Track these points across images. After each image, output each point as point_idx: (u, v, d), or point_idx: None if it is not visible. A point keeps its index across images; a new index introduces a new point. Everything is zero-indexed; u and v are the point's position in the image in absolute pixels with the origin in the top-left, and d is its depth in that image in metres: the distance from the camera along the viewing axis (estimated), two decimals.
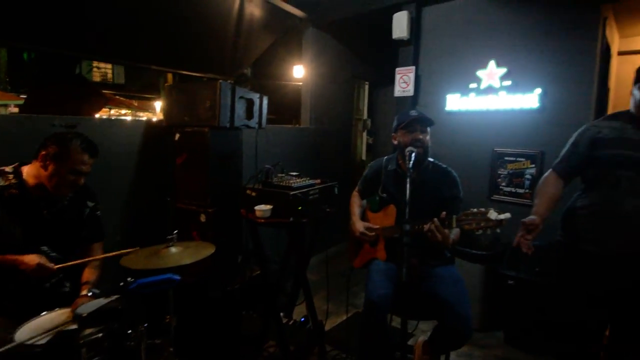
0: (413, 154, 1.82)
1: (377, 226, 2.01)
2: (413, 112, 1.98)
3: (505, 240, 2.75)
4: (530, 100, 2.83)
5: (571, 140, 1.72)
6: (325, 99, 4.14)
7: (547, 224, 1.68)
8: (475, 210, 1.62)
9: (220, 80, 2.06)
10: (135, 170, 2.40)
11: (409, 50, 3.38)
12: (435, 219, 1.68)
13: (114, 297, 1.46)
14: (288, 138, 3.66)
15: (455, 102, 3.18)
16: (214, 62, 3.21)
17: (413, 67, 3.34)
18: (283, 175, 2.29)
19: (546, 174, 1.79)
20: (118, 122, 2.70)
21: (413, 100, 3.39)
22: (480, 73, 3.04)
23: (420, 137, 1.92)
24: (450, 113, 3.22)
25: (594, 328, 1.68)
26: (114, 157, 2.28)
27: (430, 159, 2.06)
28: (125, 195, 2.37)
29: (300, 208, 2.01)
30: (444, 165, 2.06)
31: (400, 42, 3.41)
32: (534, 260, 2.50)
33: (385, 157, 2.18)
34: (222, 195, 2.14)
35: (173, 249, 1.58)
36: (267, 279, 2.19)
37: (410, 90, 3.36)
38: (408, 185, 1.62)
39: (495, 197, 3.03)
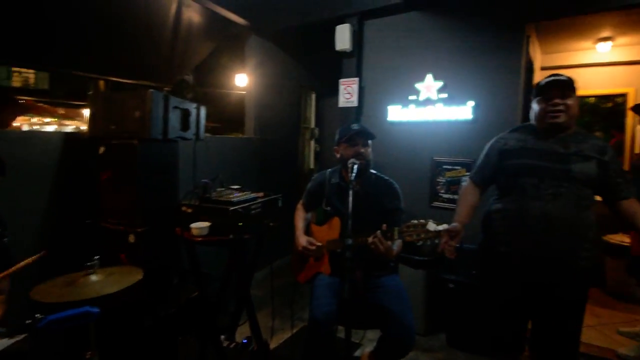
0: (355, 167, 1.82)
1: (320, 243, 1.98)
2: (355, 126, 1.98)
3: None
4: (464, 112, 2.98)
5: (484, 151, 1.85)
6: (270, 108, 4.07)
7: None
8: (415, 222, 1.65)
9: (151, 89, 1.92)
10: (52, 188, 2.16)
11: (352, 62, 3.43)
12: (378, 232, 1.69)
13: (20, 337, 1.27)
14: (230, 149, 3.53)
15: (396, 113, 3.26)
16: (149, 68, 3.02)
17: (356, 79, 3.38)
18: (223, 189, 2.18)
19: (465, 183, 1.93)
20: (32, 135, 2.42)
21: (357, 111, 3.43)
22: (419, 86, 3.16)
23: (362, 150, 1.93)
24: (393, 123, 3.30)
25: (515, 326, 1.79)
26: (27, 175, 2.03)
27: (373, 171, 2.07)
28: (40, 218, 2.12)
29: (241, 224, 1.92)
30: (386, 177, 2.09)
31: (343, 54, 3.44)
32: (471, 264, 2.61)
33: (329, 170, 2.17)
34: (155, 213, 1.98)
35: (94, 277, 1.42)
36: (206, 300, 2.06)
37: (354, 101, 3.40)
38: (350, 198, 1.61)
39: (435, 204, 3.14)
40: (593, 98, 4.41)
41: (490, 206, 1.82)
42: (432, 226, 1.57)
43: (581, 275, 1.63)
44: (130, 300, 1.65)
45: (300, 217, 2.17)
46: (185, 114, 2.09)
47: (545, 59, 4.48)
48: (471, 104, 2.95)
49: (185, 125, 2.10)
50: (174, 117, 2.03)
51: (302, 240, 2.01)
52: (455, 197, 3.04)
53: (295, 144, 4.66)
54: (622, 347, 2.62)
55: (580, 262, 1.60)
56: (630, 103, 4.21)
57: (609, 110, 4.39)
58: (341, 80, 3.45)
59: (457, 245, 1.72)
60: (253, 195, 2.14)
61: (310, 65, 4.59)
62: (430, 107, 3.11)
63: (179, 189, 2.14)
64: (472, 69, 2.97)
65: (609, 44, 3.84)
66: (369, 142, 1.99)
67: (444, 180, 3.10)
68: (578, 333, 1.69)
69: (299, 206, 2.23)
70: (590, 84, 4.39)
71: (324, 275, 1.96)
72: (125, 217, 1.98)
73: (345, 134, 1.97)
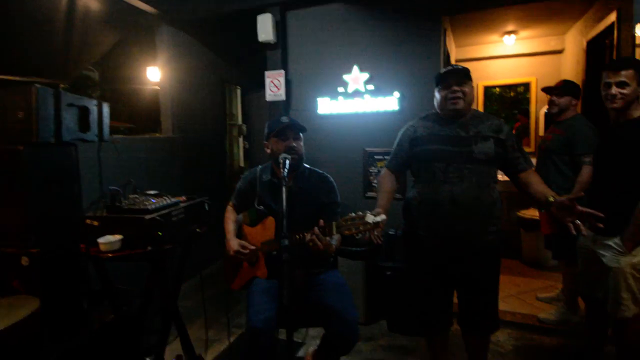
0: (287, 162, 1.71)
1: (253, 246, 1.85)
2: (284, 119, 1.87)
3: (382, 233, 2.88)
4: (391, 102, 3.02)
5: (397, 139, 1.92)
6: (190, 104, 3.77)
7: None
8: (353, 214, 1.59)
9: (37, 85, 1.61)
10: None
11: (277, 54, 3.30)
12: (316, 228, 1.61)
13: None
14: (146, 151, 3.19)
15: (326, 106, 3.21)
16: (38, 63, 2.58)
17: (282, 71, 3.26)
18: (137, 196, 1.94)
19: (382, 171, 1.96)
20: None
21: (286, 105, 3.32)
22: (346, 77, 3.13)
23: (294, 144, 1.83)
24: (323, 116, 3.24)
25: (440, 303, 1.88)
26: None
27: (306, 166, 1.98)
28: None
29: (160, 233, 1.71)
30: (320, 171, 2.01)
31: (267, 45, 3.30)
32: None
33: (260, 167, 2.03)
34: (52, 229, 1.68)
35: None
36: (125, 321, 1.81)
37: (281, 95, 3.28)
38: (284, 195, 1.51)
39: (369, 194, 3.15)
40: (498, 89, 4.79)
41: (408, 192, 1.90)
42: (370, 218, 1.52)
43: (490, 250, 1.77)
44: (24, 337, 1.38)
45: (230, 220, 2.01)
46: (84, 112, 1.80)
47: (459, 52, 4.76)
48: (397, 95, 3.00)
49: (84, 126, 1.80)
50: (69, 117, 1.73)
51: (234, 244, 1.86)
52: None
53: (222, 142, 4.41)
54: (543, 312, 2.84)
55: (489, 237, 1.73)
56: (533, 91, 4.66)
57: (512, 98, 4.80)
58: (267, 73, 3.30)
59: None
60: (174, 200, 1.92)
61: (234, 58, 4.37)
62: (358, 99, 3.11)
63: (82, 200, 1.84)
64: (396, 60, 3.01)
65: (513, 37, 4.19)
66: (301, 135, 1.89)
67: (376, 171, 3.12)
68: (495, 301, 1.85)
69: (229, 208, 2.07)
70: (498, 74, 4.78)
71: (260, 280, 1.83)
72: (14, 237, 1.65)
73: (274, 127, 1.85)
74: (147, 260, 1.75)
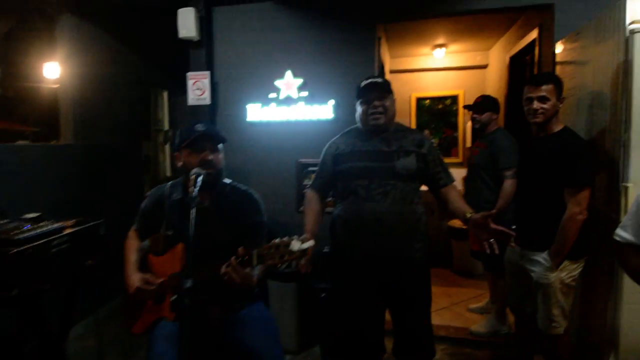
0: (200, 178, 1.43)
1: (159, 281, 1.52)
2: (199, 127, 1.58)
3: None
4: (325, 111, 2.86)
5: (321, 158, 1.86)
6: (99, 107, 3.24)
7: None
8: (277, 241, 1.36)
9: None
10: None
11: (202, 53, 2.98)
12: (233, 259, 1.35)
13: None
14: (33, 162, 2.62)
15: (256, 113, 2.96)
16: None
17: (208, 73, 2.95)
18: (6, 222, 1.51)
19: (308, 191, 1.89)
20: None
21: (211, 110, 3.00)
22: (278, 83, 2.91)
23: (210, 157, 1.54)
24: (253, 124, 2.98)
25: (372, 326, 1.80)
26: None
27: (227, 181, 1.71)
28: None
29: (34, 270, 1.33)
30: (244, 188, 1.74)
31: (190, 43, 2.96)
32: None
33: (169, 183, 1.72)
34: None
35: None
36: None
37: (206, 99, 2.96)
38: (192, 218, 1.26)
39: (303, 209, 2.94)
40: (428, 101, 4.94)
41: (334, 210, 1.83)
42: (296, 245, 1.30)
43: (418, 267, 1.73)
44: None
45: (132, 248, 1.66)
46: None
47: (394, 63, 4.80)
48: (332, 102, 2.85)
49: None
50: None
51: (135, 278, 1.53)
52: None
53: (141, 151, 3.92)
54: (474, 324, 2.85)
55: (416, 255, 1.71)
56: (461, 103, 4.83)
57: (440, 110, 4.98)
58: (189, 74, 2.96)
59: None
60: (57, 225, 1.54)
61: (160, 58, 3.91)
62: (292, 106, 2.90)
63: None
64: (331, 66, 2.87)
65: (443, 50, 4.30)
66: (220, 146, 1.61)
67: (310, 183, 2.92)
68: (428, 319, 1.81)
69: (131, 234, 1.72)
70: (430, 86, 4.90)
71: (166, 322, 1.51)
72: None
73: (187, 136, 1.56)
74: (13, 307, 1.35)
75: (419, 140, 1.75)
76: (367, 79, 1.76)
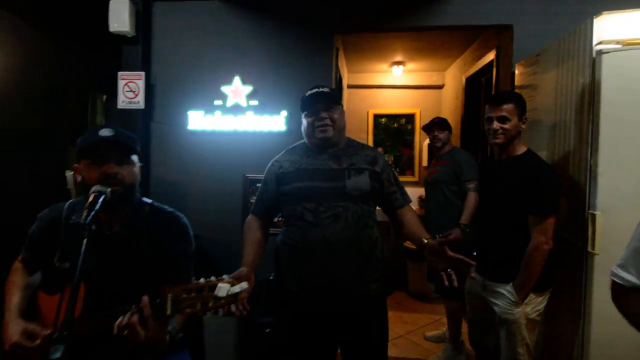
0: (100, 199, 1.09)
1: (47, 331, 1.15)
2: (104, 132, 1.23)
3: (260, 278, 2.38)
4: (277, 122, 2.61)
5: (263, 178, 1.64)
6: (16, 111, 2.74)
7: None
8: (202, 281, 1.05)
9: None
10: None
11: (136, 51, 2.62)
12: (134, 309, 1.02)
13: None
14: None
15: (199, 120, 2.63)
16: None
17: (142, 73, 2.59)
18: None
19: (248, 217, 1.64)
20: None
21: (145, 115, 2.64)
22: (225, 89, 2.62)
23: (115, 170, 1.20)
24: (195, 133, 2.65)
25: None
26: None
27: (146, 201, 1.37)
28: None
29: None
30: (169, 210, 1.41)
31: (123, 39, 2.60)
32: None
33: (70, 202, 1.35)
34: None
35: None
36: None
37: (139, 102, 2.59)
38: (83, 250, 0.96)
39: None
40: (384, 119, 4.89)
41: (277, 238, 1.60)
42: (223, 289, 1.00)
43: (374, 301, 1.54)
44: None
45: (15, 286, 1.28)
46: None
47: (351, 78, 4.69)
48: (284, 113, 2.60)
49: None
50: None
51: (14, 330, 1.14)
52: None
53: (62, 164, 3.36)
54: (431, 354, 2.68)
55: (372, 286, 1.51)
56: (417, 122, 4.80)
57: (395, 129, 4.94)
58: (121, 74, 2.59)
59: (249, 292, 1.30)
60: None
61: (96, 59, 3.44)
62: (240, 116, 2.62)
63: None
64: (285, 75, 2.63)
65: (401, 68, 4.24)
66: (133, 158, 1.28)
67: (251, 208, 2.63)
68: (385, 353, 1.61)
69: (16, 266, 1.33)
70: (387, 103, 4.83)
71: None
72: None
73: (85, 142, 1.21)
74: None
75: (372, 157, 1.57)
76: (312, 88, 1.57)
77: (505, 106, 1.69)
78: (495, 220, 1.79)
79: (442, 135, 2.68)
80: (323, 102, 1.52)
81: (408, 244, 3.82)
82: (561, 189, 1.72)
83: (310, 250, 1.46)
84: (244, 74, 2.62)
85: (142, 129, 2.61)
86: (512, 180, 1.70)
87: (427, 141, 4.45)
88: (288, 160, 1.58)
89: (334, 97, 1.55)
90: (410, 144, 4.93)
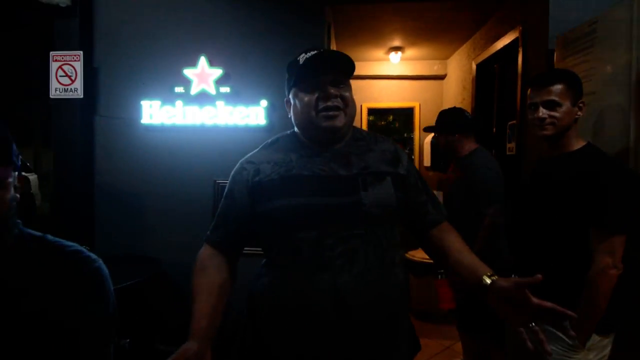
0: None
1: None
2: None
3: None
4: (255, 114, 2.08)
5: (226, 189, 1.07)
6: None
7: None
8: None
9: None
10: None
11: (73, 25, 2.05)
12: None
13: None
14: None
15: (156, 113, 2.08)
16: None
17: (80, 53, 2.02)
18: None
19: (201, 250, 1.05)
20: None
21: (85, 106, 2.07)
22: (189, 72, 2.07)
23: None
24: (150, 128, 2.10)
25: None
26: None
27: (35, 235, 0.85)
28: None
29: None
30: (72, 248, 0.86)
31: (55, 10, 2.02)
32: None
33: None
34: None
35: None
36: None
37: (77, 89, 2.02)
38: None
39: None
40: (372, 117, 4.47)
41: (254, 282, 1.05)
42: None
43: None
44: None
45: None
46: None
47: None
48: (264, 103, 2.07)
49: None
50: None
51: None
52: None
53: None
54: None
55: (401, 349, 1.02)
56: (417, 117, 4.33)
57: (383, 127, 4.54)
58: (53, 54, 2.02)
59: None
60: None
61: (20, 34, 2.86)
62: (207, 106, 2.08)
63: None
64: (264, 55, 2.11)
65: (399, 54, 3.75)
66: (13, 175, 0.78)
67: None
68: None
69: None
70: (383, 96, 4.35)
71: None
72: None
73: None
74: None
75: (393, 154, 1.05)
76: (308, 50, 0.99)
77: (553, 87, 1.32)
78: (543, 235, 1.39)
79: (442, 140, 2.10)
80: (332, 71, 0.96)
81: (411, 255, 3.35)
82: (638, 196, 1.26)
83: (311, 310, 0.92)
84: (212, 53, 2.07)
85: (81, 124, 2.04)
86: (569, 182, 1.31)
87: (428, 138, 3.97)
88: (268, 161, 1.01)
89: (347, 65, 0.98)
90: (403, 141, 4.50)
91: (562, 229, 1.32)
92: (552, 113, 1.32)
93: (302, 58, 0.96)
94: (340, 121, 0.96)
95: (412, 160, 1.10)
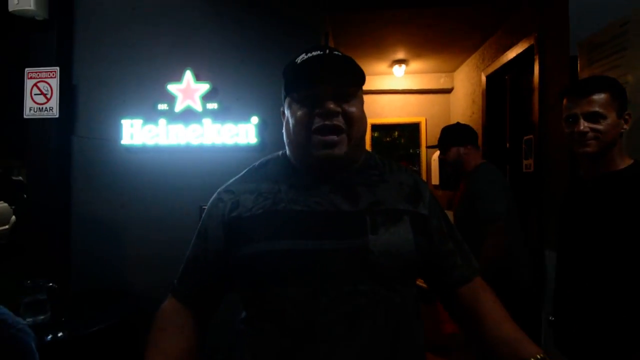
0: None
1: None
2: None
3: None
4: (246, 132, 1.89)
5: (199, 226, 0.85)
6: None
7: None
8: None
9: None
10: None
11: (50, 40, 1.91)
12: None
13: None
14: None
15: (137, 132, 1.91)
16: None
17: (56, 69, 1.87)
18: None
19: (164, 304, 0.83)
20: None
21: (61, 125, 1.90)
22: (173, 88, 1.90)
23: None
24: (131, 150, 1.93)
25: None
26: None
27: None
28: None
29: None
30: None
31: (31, 24, 1.88)
32: None
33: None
34: None
35: None
36: None
37: (52, 108, 1.86)
38: None
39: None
40: (377, 133, 4.30)
41: (233, 342, 0.83)
42: None
43: None
44: None
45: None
46: None
47: None
48: (255, 120, 1.89)
49: None
50: None
51: None
52: None
53: None
54: None
55: None
56: (423, 132, 4.13)
57: (388, 143, 4.38)
58: (28, 70, 1.87)
59: None
60: None
61: None
62: (193, 124, 1.90)
63: None
64: (254, 68, 1.94)
65: (403, 67, 3.58)
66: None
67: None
68: None
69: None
70: (386, 111, 4.18)
71: None
72: None
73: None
74: None
75: (412, 187, 0.82)
76: (309, 50, 0.77)
77: (596, 97, 1.14)
78: (593, 271, 1.18)
79: (449, 158, 1.94)
80: (332, 78, 0.74)
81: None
82: None
83: None
84: (199, 67, 1.91)
85: (56, 146, 1.87)
86: (619, 205, 1.12)
87: (436, 155, 3.76)
88: (252, 191, 0.80)
89: (353, 71, 0.75)
90: (409, 157, 4.29)
91: (618, 261, 1.11)
92: (596, 126, 1.15)
93: (300, 59, 0.76)
94: (340, 149, 0.73)
95: (436, 198, 0.87)
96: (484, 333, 0.76)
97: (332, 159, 0.73)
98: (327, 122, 0.71)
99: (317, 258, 0.70)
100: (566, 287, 1.29)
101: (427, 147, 2.19)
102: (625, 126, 1.17)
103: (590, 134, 1.15)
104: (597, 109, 1.15)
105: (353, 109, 0.73)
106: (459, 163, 1.91)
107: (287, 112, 0.78)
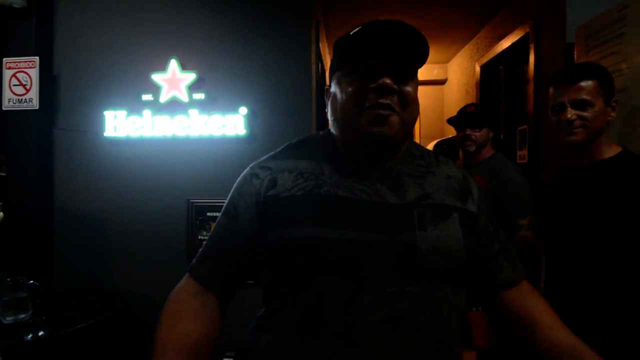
0: None
1: None
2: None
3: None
4: (234, 123, 1.83)
5: (226, 203, 0.76)
6: None
7: None
8: None
9: None
10: None
11: (30, 28, 1.83)
12: None
13: None
14: None
15: (121, 124, 1.84)
16: None
17: (36, 59, 1.79)
18: None
19: (178, 285, 0.75)
20: None
21: (41, 117, 1.83)
22: (158, 78, 1.83)
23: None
24: (114, 142, 1.86)
25: None
26: None
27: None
28: None
29: None
30: None
31: (8, 10, 1.80)
32: None
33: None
34: None
35: None
36: None
37: (32, 100, 1.79)
38: None
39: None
40: None
41: (252, 340, 0.74)
42: None
43: None
44: None
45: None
46: None
47: None
48: (244, 111, 1.83)
49: None
50: None
51: None
52: None
53: None
54: None
55: None
56: (416, 124, 4.09)
57: None
58: (6, 61, 1.79)
59: None
60: None
61: None
62: (179, 115, 1.83)
63: None
64: (244, 56, 1.87)
65: None
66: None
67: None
68: None
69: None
70: None
71: None
72: None
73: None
74: None
75: (461, 182, 0.76)
76: (366, 24, 0.68)
77: (583, 84, 1.14)
78: (582, 261, 1.17)
79: (478, 135, 1.75)
80: (395, 53, 0.67)
81: None
82: None
83: None
84: (184, 55, 1.84)
85: (37, 139, 1.80)
86: (606, 194, 1.10)
87: (431, 145, 3.72)
88: (291, 169, 0.73)
89: (420, 48, 0.68)
90: None
91: (609, 252, 1.10)
92: (583, 114, 1.14)
93: (358, 29, 0.67)
94: (392, 127, 0.66)
95: (485, 194, 0.82)
96: (537, 339, 0.70)
97: (382, 138, 0.66)
98: (381, 100, 0.64)
99: (364, 252, 0.63)
100: (556, 279, 1.27)
101: (449, 120, 1.99)
102: (612, 114, 1.16)
103: (578, 122, 1.14)
104: (584, 96, 1.13)
105: (409, 89, 0.67)
106: (482, 146, 1.79)
107: (334, 89, 0.71)
